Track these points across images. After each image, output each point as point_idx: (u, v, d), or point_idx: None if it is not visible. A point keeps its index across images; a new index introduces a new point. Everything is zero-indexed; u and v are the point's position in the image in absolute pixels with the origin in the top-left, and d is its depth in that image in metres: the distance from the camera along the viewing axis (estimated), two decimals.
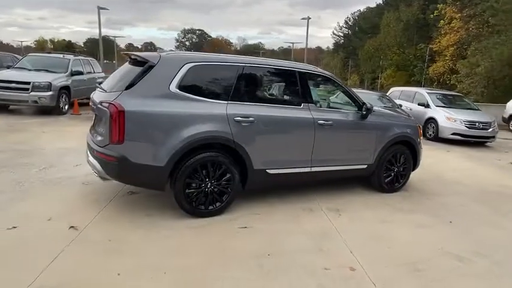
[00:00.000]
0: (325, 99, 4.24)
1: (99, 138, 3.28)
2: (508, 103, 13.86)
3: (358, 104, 4.31)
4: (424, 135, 9.90)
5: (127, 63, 3.78)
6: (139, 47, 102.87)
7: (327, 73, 4.36)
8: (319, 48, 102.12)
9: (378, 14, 60.66)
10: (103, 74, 13.80)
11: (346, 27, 72.28)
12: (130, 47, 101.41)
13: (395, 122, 4.67)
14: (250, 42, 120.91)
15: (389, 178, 4.66)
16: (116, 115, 3.02)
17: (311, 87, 4.05)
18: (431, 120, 10.29)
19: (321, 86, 4.32)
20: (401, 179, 4.76)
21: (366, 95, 10.33)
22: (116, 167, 3.13)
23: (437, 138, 9.88)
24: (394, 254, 3.02)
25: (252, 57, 4.10)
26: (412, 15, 46.94)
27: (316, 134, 3.90)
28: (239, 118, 3.44)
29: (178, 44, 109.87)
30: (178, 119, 3.21)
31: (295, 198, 4.17)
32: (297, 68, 3.98)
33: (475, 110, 10.84)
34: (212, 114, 3.34)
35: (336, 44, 77.08)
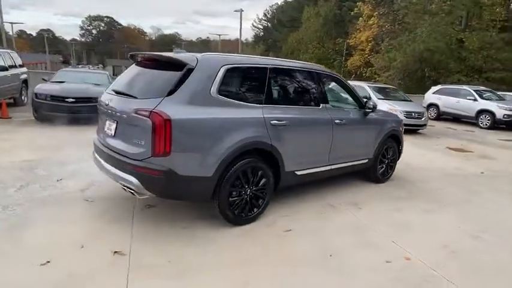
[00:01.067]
0: (334, 99, 4.42)
1: (134, 150, 2.93)
2: (426, 94, 15.92)
3: (361, 102, 4.59)
4: None
5: (139, 64, 3.47)
6: (34, 34, 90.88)
7: (334, 73, 4.55)
8: (237, 40, 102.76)
9: (297, 7, 63.69)
10: (26, 69, 12.06)
11: (265, 20, 74.35)
12: (23, 34, 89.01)
13: (387, 118, 5.09)
14: (166, 32, 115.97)
15: (382, 169, 5.08)
16: (162, 125, 2.75)
17: (325, 87, 4.20)
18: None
19: (331, 85, 4.48)
20: (389, 169, 5.23)
21: None
22: (162, 182, 2.86)
23: None
24: (427, 239, 3.36)
25: (277, 59, 4.09)
26: (330, 11, 50.11)
27: (334, 133, 4.07)
28: (275, 122, 3.41)
29: (83, 32, 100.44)
30: (225, 126, 3.06)
31: (310, 197, 4.29)
32: (315, 69, 4.08)
33: (408, 101, 12.26)
34: (253, 118, 3.26)
35: (256, 37, 78.82)
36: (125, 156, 2.99)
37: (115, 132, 3.19)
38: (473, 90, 14.20)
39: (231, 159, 3.07)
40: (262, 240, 3.14)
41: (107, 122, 3.33)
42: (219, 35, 56.96)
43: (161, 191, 2.97)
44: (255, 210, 3.44)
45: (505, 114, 12.78)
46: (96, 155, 3.53)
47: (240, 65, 3.35)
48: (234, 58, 3.45)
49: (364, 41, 38.95)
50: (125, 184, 2.98)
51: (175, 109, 2.81)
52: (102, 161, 3.30)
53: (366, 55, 33.94)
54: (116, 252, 2.75)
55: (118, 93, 3.29)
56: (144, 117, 2.81)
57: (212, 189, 3.06)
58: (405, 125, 10.70)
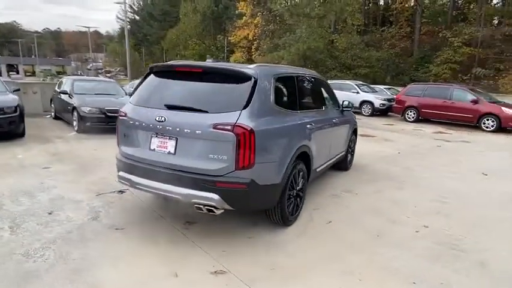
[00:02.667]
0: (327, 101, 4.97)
1: (213, 166, 2.84)
2: None
3: (338, 102, 5.30)
4: None
5: (180, 76, 3.30)
6: None
7: (323, 77, 5.12)
8: (96, 33, 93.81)
9: (168, 1, 62.34)
10: None
11: (131, 12, 70.17)
12: None
13: (351, 116, 5.96)
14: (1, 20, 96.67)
15: (349, 159, 5.96)
16: (247, 138, 2.79)
17: (323, 91, 4.73)
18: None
19: (323, 88, 5.00)
20: (351, 158, 6.17)
21: None
22: (245, 194, 2.89)
23: None
24: (420, 210, 4.27)
25: (290, 67, 4.35)
26: (208, 7, 50.66)
27: (333, 131, 4.66)
28: (309, 125, 3.76)
29: None
30: (289, 133, 3.27)
31: (310, 191, 4.76)
32: (315, 75, 4.55)
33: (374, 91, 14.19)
34: (300, 124, 3.54)
35: (123, 29, 73.98)
36: (200, 174, 2.87)
37: (175, 149, 2.98)
38: (355, 85, 16.99)
39: (293, 164, 3.30)
40: (319, 235, 3.47)
41: (156, 140, 3.08)
42: (88, 27, 50.82)
43: (243, 204, 2.98)
44: (297, 209, 3.72)
45: (380, 103, 15.78)
46: (134, 177, 3.19)
47: (282, 75, 3.56)
48: (274, 67, 3.62)
49: (244, 39, 41.23)
50: (203, 202, 2.87)
51: (253, 121, 2.87)
52: (156, 183, 3.04)
53: (253, 53, 35.93)
54: (215, 272, 2.68)
55: (173, 108, 3.07)
56: (226, 132, 2.78)
57: (279, 195, 3.23)
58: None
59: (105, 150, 6.67)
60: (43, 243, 3.01)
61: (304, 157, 3.70)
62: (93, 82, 10.62)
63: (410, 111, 14.25)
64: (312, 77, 4.47)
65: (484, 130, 12.08)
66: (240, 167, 2.82)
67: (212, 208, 2.89)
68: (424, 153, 8.00)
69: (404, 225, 3.78)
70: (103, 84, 10.29)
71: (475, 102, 12.38)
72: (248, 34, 39.93)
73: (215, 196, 2.83)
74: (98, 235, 3.22)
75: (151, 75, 3.51)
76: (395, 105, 15.05)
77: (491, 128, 11.99)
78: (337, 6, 23.71)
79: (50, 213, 3.64)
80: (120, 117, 3.39)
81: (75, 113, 8.56)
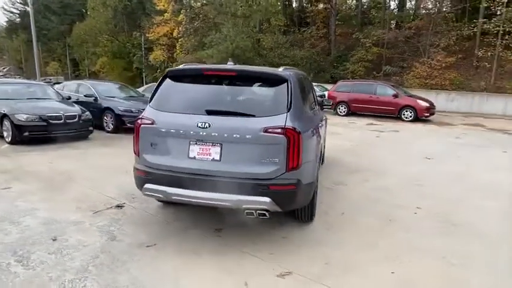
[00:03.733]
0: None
1: (264, 169, 2.83)
2: None
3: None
4: None
5: (209, 80, 3.19)
6: None
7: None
8: None
9: None
10: None
11: (21, 3, 62.10)
12: None
13: (323, 113, 6.34)
14: None
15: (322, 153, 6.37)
16: (296, 139, 2.86)
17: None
18: None
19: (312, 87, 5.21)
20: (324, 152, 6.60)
21: None
22: (294, 194, 2.95)
23: None
24: (408, 194, 4.82)
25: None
26: (119, 2, 47.36)
27: (324, 128, 4.96)
28: (320, 124, 3.98)
29: None
30: (317, 133, 3.41)
31: None
32: (305, 76, 4.76)
33: None
34: (318, 122, 3.72)
35: (12, 23, 65.08)
36: (251, 178, 2.83)
37: (221, 156, 2.87)
38: None
39: (319, 162, 3.46)
40: (343, 226, 3.70)
41: (197, 147, 2.93)
42: None
43: (290, 204, 3.03)
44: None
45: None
46: (170, 188, 2.98)
47: (299, 76, 3.66)
48: (292, 69, 3.70)
49: (163, 36, 39.69)
50: (255, 207, 2.85)
51: (297, 123, 2.95)
52: (199, 192, 2.89)
53: (175, 51, 34.84)
54: (281, 274, 2.70)
55: (215, 113, 2.95)
56: (278, 135, 2.80)
57: (313, 192, 3.35)
58: None
59: (64, 162, 5.95)
60: (75, 273, 2.63)
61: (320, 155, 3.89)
62: (19, 85, 9.19)
63: (342, 106, 15.54)
64: (306, 77, 4.67)
65: (404, 120, 13.86)
66: (290, 169, 2.87)
67: (264, 212, 2.88)
68: (372, 144, 8.90)
69: (404, 209, 4.24)
70: (33, 87, 8.98)
71: (395, 96, 14.12)
72: (168, 31, 38.54)
73: (267, 199, 2.83)
74: (132, 255, 2.93)
75: (169, 80, 3.29)
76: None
77: (410, 118, 13.83)
78: (262, 6, 24.45)
79: (54, 240, 3.16)
80: (145, 125, 3.11)
81: (5, 122, 7.33)
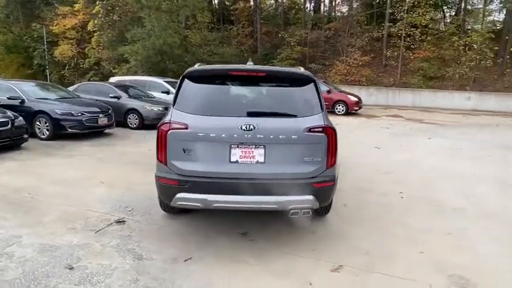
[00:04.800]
0: None
1: (308, 168, 2.88)
2: None
3: None
4: None
5: (238, 81, 3.10)
6: None
7: None
8: None
9: None
10: None
11: None
12: None
13: None
14: None
15: None
16: (334, 138, 2.97)
17: None
18: None
19: None
20: None
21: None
22: (332, 190, 3.06)
23: None
24: (385, 182, 5.33)
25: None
26: None
27: None
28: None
29: None
30: None
31: None
32: None
33: None
34: None
35: None
36: (296, 178, 2.84)
37: (265, 158, 2.81)
38: None
39: None
40: (356, 217, 3.91)
41: (238, 150, 2.82)
42: None
43: (328, 199, 3.11)
44: None
45: None
46: (210, 196, 2.81)
47: None
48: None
49: (71, 29, 35.85)
50: (301, 206, 2.87)
51: (329, 121, 3.05)
52: (243, 197, 2.80)
53: (87, 46, 31.80)
54: (335, 269, 2.79)
55: (257, 115, 2.86)
56: (320, 134, 2.88)
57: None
58: None
59: (12, 178, 5.07)
60: None
61: None
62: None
63: None
64: None
65: (336, 114, 15.03)
66: (329, 166, 2.97)
67: (308, 210, 2.93)
68: None
69: (390, 196, 4.69)
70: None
71: (329, 92, 15.20)
72: (77, 24, 34.89)
73: (311, 197, 2.89)
74: (175, 273, 2.69)
75: (190, 80, 3.08)
76: None
77: (342, 112, 15.07)
78: (189, 2, 23.76)
79: (71, 268, 2.72)
80: (176, 130, 2.86)
81: None
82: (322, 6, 32.95)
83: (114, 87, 10.91)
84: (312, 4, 32.66)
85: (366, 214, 4.02)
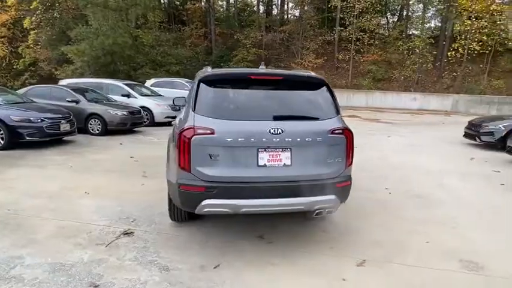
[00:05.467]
0: None
1: (330, 169, 2.99)
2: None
3: None
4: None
5: (255, 85, 3.12)
6: None
7: None
8: None
9: None
10: None
11: None
12: None
13: None
14: None
15: None
16: (352, 139, 3.13)
17: None
18: (144, 108, 11.70)
19: None
20: None
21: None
22: (349, 189, 3.20)
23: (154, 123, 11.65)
24: (367, 178, 5.66)
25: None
26: None
27: None
28: None
29: None
30: None
31: None
32: None
33: (159, 95, 13.48)
34: None
35: None
36: (320, 179, 2.94)
37: (291, 160, 2.87)
38: (186, 82, 17.43)
39: None
40: (358, 216, 4.08)
41: (266, 154, 2.84)
42: None
43: (346, 198, 3.24)
44: None
45: None
46: (239, 201, 2.80)
47: None
48: None
49: (2, 26, 32.63)
50: (325, 205, 2.98)
51: (345, 123, 3.21)
52: (271, 200, 2.83)
53: (21, 44, 29.25)
54: (360, 263, 2.94)
55: (282, 118, 2.90)
56: (341, 135, 3.01)
57: None
58: (171, 117, 12.22)
59: None
60: None
61: None
62: None
63: None
64: None
65: None
66: (347, 166, 3.12)
67: (331, 209, 3.05)
68: None
69: (379, 192, 5.00)
70: None
71: None
72: (8, 20, 31.85)
73: (333, 197, 3.01)
74: (208, 281, 2.64)
75: (206, 84, 3.03)
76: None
77: None
78: (141, 0, 22.85)
79: (96, 286, 2.54)
80: (201, 136, 2.79)
81: None
82: (274, 9, 33.75)
83: (71, 91, 10.15)
84: (264, 7, 33.26)
85: (365, 210, 4.25)
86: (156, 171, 5.69)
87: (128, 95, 11.97)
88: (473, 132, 9.00)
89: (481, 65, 21.39)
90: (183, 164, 2.88)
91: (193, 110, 2.94)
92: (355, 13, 23.78)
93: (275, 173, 2.87)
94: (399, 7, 27.90)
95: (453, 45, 21.21)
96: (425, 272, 2.86)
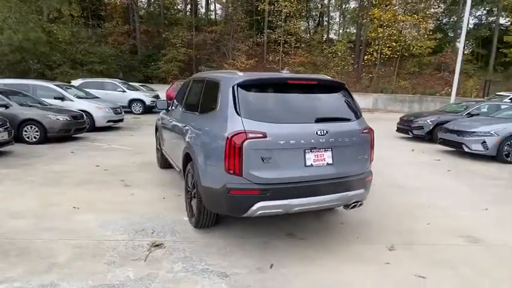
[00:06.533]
0: None
1: (360, 165, 3.30)
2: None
3: None
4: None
5: (287, 89, 3.27)
6: None
7: None
8: None
9: None
10: None
11: None
12: None
13: None
14: None
15: None
16: (374, 138, 3.49)
17: None
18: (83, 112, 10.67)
19: None
20: None
21: None
22: (371, 182, 3.55)
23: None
24: None
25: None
26: None
27: None
28: None
29: None
30: None
31: None
32: None
33: (95, 97, 12.39)
34: None
35: None
36: (354, 175, 3.23)
37: (333, 159, 3.08)
38: (119, 83, 16.31)
39: None
40: (364, 209, 4.54)
41: (312, 154, 3.01)
42: None
43: (369, 190, 3.56)
44: None
45: (151, 101, 16.19)
46: (291, 200, 2.93)
47: None
48: None
49: None
50: (359, 199, 3.29)
51: None
52: (317, 197, 3.03)
53: None
54: (391, 248, 3.32)
55: (323, 120, 3.09)
56: (367, 134, 3.36)
57: None
58: (118, 120, 11.34)
59: None
60: None
61: None
62: None
63: None
64: None
65: None
66: (371, 162, 3.47)
67: (362, 202, 3.37)
68: None
69: None
70: None
71: None
72: None
73: (363, 190, 3.35)
74: (275, 281, 2.72)
75: (242, 89, 3.07)
76: (168, 101, 16.09)
77: None
78: None
79: None
80: (254, 140, 2.81)
81: None
82: (200, 9, 33.41)
83: None
84: (189, 6, 32.73)
85: (367, 205, 4.66)
86: (135, 180, 5.39)
87: (62, 98, 10.74)
88: (406, 127, 10.40)
89: (391, 68, 24.49)
90: (233, 169, 2.88)
91: (239, 114, 2.95)
92: (283, 17, 25.00)
93: (320, 171, 3.06)
94: (319, 13, 30.17)
95: (368, 50, 23.84)
96: (443, 248, 3.38)
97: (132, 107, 15.95)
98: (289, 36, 25.32)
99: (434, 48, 24.04)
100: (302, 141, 2.97)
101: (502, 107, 9.46)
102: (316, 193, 3.04)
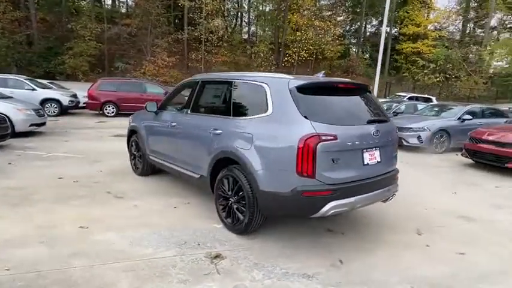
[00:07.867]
0: None
1: (393, 163, 3.69)
2: None
3: None
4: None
5: (337, 92, 3.45)
6: None
7: None
8: None
9: None
10: None
11: None
12: None
13: None
14: None
15: None
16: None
17: None
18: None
19: None
20: None
21: None
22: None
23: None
24: None
25: None
26: None
27: None
28: None
29: None
30: None
31: None
32: None
33: (8, 97, 10.45)
34: None
35: None
36: (391, 171, 3.60)
37: (381, 157, 3.37)
38: (26, 80, 14.00)
39: None
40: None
41: (367, 154, 3.25)
42: None
43: None
44: None
45: (69, 101, 14.32)
46: (355, 198, 3.13)
47: None
48: None
49: None
50: (393, 194, 3.66)
51: None
52: (371, 194, 3.29)
53: None
54: (419, 232, 3.79)
55: (372, 122, 3.35)
56: (397, 133, 3.77)
57: None
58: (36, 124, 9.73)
59: None
60: None
61: None
62: None
63: (109, 106, 14.50)
64: None
65: None
66: (397, 159, 3.89)
67: (395, 194, 3.76)
68: None
69: None
70: None
71: (166, 94, 15.09)
72: None
73: (396, 184, 3.75)
74: (351, 274, 2.89)
75: (299, 93, 3.14)
76: (90, 102, 14.51)
77: None
78: None
79: None
80: (326, 142, 2.90)
81: None
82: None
83: None
84: None
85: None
86: (123, 191, 4.84)
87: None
88: None
89: (308, 69, 26.46)
90: (306, 171, 2.93)
91: (306, 117, 3.00)
92: (204, 14, 24.72)
93: (373, 169, 3.33)
94: (237, 13, 30.71)
95: (288, 51, 25.35)
96: (452, 228, 4.00)
97: (46, 108, 13.83)
98: (210, 35, 25.16)
99: (343, 52, 26.90)
100: (364, 142, 3.20)
101: (419, 106, 11.27)
102: (372, 189, 3.30)
